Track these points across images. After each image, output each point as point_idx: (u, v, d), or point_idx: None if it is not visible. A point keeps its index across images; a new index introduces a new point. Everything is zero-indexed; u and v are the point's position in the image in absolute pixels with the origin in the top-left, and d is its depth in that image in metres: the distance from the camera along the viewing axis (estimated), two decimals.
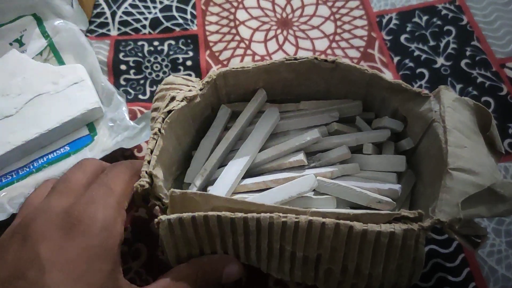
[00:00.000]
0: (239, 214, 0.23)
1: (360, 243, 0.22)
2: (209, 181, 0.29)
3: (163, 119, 0.27)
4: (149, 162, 0.25)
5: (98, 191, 0.24)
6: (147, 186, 0.24)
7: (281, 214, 0.23)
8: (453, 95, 0.26)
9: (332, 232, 0.22)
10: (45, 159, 0.32)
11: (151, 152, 0.26)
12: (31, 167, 0.31)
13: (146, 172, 0.25)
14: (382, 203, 0.26)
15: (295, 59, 0.29)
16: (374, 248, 0.22)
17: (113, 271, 0.22)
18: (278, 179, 0.28)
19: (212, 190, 0.28)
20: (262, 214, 0.23)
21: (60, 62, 0.36)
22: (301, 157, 0.29)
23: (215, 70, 0.30)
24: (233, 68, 0.29)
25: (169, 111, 0.27)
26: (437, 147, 0.24)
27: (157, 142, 0.26)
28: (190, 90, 0.29)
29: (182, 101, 0.28)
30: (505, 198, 0.21)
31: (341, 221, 0.22)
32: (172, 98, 0.28)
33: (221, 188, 0.28)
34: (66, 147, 0.32)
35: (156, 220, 0.24)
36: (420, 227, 0.21)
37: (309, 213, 0.23)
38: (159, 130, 0.26)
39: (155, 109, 0.29)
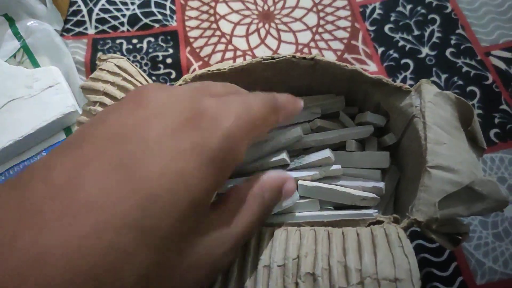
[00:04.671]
0: None
1: (342, 247, 0.22)
2: None
3: None
4: None
5: (235, 99, 0.20)
6: None
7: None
8: (434, 89, 0.26)
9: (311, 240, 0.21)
10: (21, 166, 0.31)
11: None
12: (7, 175, 0.30)
13: None
14: (366, 200, 0.26)
15: (273, 58, 0.28)
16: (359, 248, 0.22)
17: (214, 179, 0.17)
18: None
19: None
20: None
21: (35, 64, 0.35)
22: (283, 156, 0.28)
23: (190, 72, 0.28)
24: (209, 70, 0.28)
25: None
26: (417, 144, 0.24)
27: None
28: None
29: None
30: (484, 197, 0.20)
31: (316, 228, 0.21)
32: None
33: None
34: (42, 153, 0.31)
35: None
36: (396, 228, 0.21)
37: (285, 224, 0.22)
38: None
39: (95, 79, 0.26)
